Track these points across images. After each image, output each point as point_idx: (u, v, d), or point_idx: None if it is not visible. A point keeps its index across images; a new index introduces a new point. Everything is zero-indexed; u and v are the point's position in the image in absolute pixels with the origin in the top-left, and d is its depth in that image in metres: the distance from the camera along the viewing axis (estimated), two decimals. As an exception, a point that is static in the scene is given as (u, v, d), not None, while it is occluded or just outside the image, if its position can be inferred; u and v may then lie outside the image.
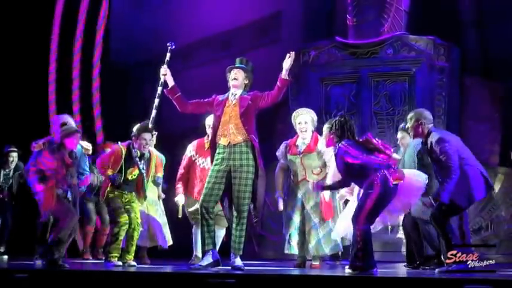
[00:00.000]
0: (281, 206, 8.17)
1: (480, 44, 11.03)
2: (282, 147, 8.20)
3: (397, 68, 10.54)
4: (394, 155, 6.69)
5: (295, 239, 8.01)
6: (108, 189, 8.01)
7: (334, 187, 7.13)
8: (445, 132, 7.19)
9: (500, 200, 9.79)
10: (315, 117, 8.14)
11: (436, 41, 10.36)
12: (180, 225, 8.83)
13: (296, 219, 8.00)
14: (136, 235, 8.05)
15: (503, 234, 9.85)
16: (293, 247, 8.04)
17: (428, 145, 6.93)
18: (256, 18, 12.32)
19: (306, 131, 8.02)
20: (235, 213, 7.02)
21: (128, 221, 7.98)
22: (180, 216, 8.36)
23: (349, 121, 6.72)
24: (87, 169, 8.50)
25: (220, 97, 7.20)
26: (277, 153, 8.24)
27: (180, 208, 8.30)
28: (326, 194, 7.77)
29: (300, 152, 8.00)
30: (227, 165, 7.01)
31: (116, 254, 7.98)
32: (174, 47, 7.60)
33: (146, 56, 12.81)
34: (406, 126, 7.30)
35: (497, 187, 9.78)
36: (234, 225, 7.02)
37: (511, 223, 9.85)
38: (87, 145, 8.60)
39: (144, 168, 8.09)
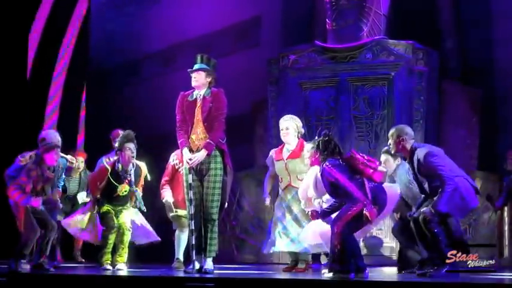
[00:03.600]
0: (267, 202, 8.18)
1: (458, 50, 11.08)
2: (270, 153, 8.21)
3: (376, 72, 10.53)
4: (380, 168, 6.63)
5: (279, 238, 7.98)
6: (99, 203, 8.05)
7: (328, 213, 6.80)
8: (429, 145, 7.16)
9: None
10: (299, 124, 8.11)
11: (415, 45, 10.38)
12: (159, 229, 8.81)
13: (286, 223, 7.98)
14: (126, 239, 8.01)
15: (480, 239, 9.87)
16: (278, 247, 8.01)
17: (415, 162, 6.91)
18: (235, 22, 12.31)
19: (286, 136, 8.02)
20: (206, 217, 6.99)
21: (117, 225, 7.98)
22: (172, 214, 8.29)
23: (333, 139, 6.66)
24: (60, 183, 8.36)
25: (189, 96, 7.13)
26: (266, 161, 8.26)
27: (172, 206, 8.26)
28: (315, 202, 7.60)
29: (285, 158, 8.01)
30: (197, 169, 6.99)
31: (106, 258, 7.95)
32: None
33: (126, 60, 12.78)
34: (389, 145, 7.20)
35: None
36: (204, 230, 6.98)
37: (488, 228, 9.88)
38: (71, 158, 8.58)
39: (133, 181, 8.02)
